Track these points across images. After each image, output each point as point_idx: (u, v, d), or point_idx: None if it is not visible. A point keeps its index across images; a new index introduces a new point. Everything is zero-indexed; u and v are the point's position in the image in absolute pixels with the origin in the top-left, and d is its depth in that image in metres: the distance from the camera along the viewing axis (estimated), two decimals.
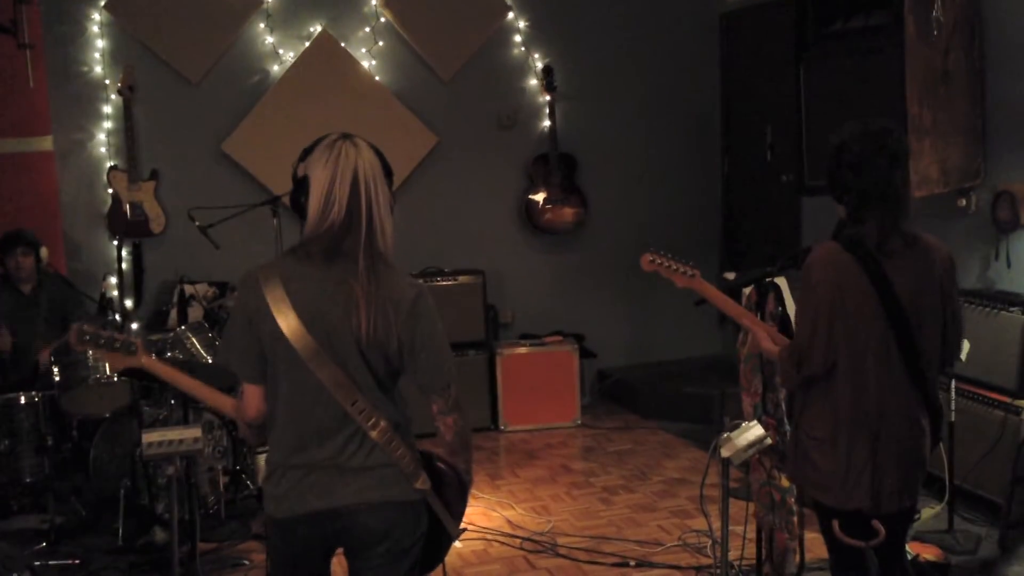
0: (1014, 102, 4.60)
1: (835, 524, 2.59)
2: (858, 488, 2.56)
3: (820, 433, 2.61)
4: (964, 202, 4.83)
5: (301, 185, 2.28)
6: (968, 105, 4.71)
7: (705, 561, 4.11)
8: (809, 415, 2.65)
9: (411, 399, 2.38)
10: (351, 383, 2.21)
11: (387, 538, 2.27)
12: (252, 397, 2.31)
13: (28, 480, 4.52)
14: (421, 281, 2.39)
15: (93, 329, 2.53)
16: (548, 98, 6.58)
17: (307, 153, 2.30)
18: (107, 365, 4.53)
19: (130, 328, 5.55)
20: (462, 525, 2.51)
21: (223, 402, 2.54)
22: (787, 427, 3.42)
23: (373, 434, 2.23)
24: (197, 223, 5.15)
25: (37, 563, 4.12)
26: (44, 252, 5.09)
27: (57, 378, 4.56)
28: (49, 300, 5.02)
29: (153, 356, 2.62)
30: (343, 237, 2.22)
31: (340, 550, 2.35)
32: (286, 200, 2.69)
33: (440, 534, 2.39)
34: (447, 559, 2.51)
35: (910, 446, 2.60)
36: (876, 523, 2.54)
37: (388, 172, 2.32)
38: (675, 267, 3.11)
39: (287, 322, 2.18)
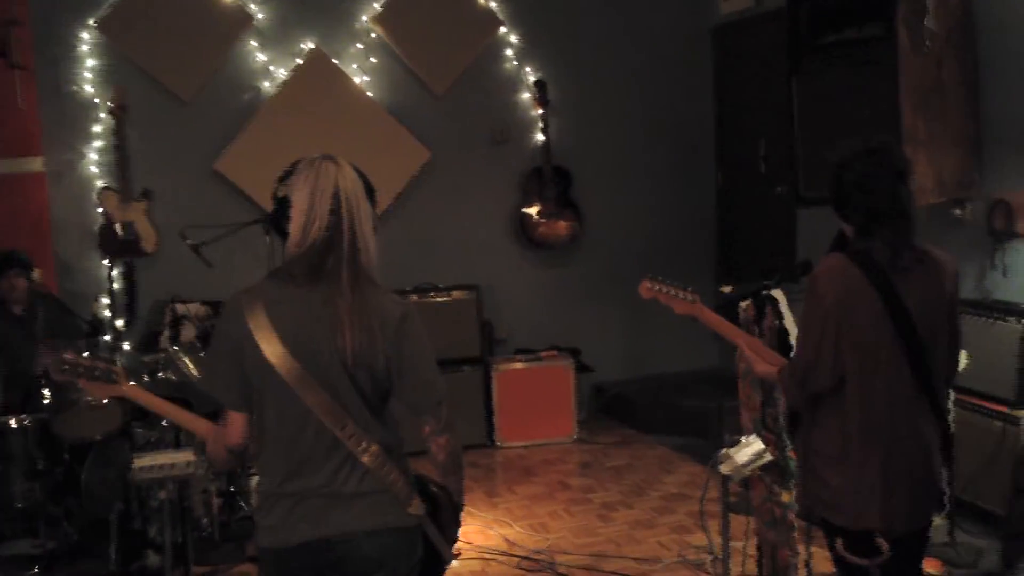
0: (1009, 112, 4.59)
1: (839, 543, 2.55)
2: (869, 508, 2.50)
3: (830, 451, 2.55)
4: (960, 212, 4.81)
5: (282, 206, 2.25)
6: (963, 115, 4.70)
7: None
8: (818, 432, 2.59)
9: (401, 420, 2.34)
10: (340, 407, 2.16)
11: (383, 567, 2.21)
12: (236, 424, 2.24)
13: (19, 505, 4.46)
14: (412, 298, 2.35)
15: (73, 358, 2.45)
16: (541, 112, 6.57)
17: (287, 175, 2.27)
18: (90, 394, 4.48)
19: (112, 355, 5.48)
20: (455, 548, 2.46)
21: (200, 427, 2.46)
22: (787, 442, 3.38)
23: (364, 459, 2.17)
24: (189, 242, 5.11)
25: None
26: (37, 273, 5.06)
27: (48, 401, 4.51)
28: (44, 322, 4.97)
29: (134, 383, 2.55)
30: (326, 255, 2.18)
31: None
32: None
33: (434, 559, 2.34)
34: None
35: (920, 465, 2.55)
36: (879, 540, 2.49)
37: (370, 191, 2.29)
38: (675, 292, 3.09)
39: (271, 348, 2.13)
